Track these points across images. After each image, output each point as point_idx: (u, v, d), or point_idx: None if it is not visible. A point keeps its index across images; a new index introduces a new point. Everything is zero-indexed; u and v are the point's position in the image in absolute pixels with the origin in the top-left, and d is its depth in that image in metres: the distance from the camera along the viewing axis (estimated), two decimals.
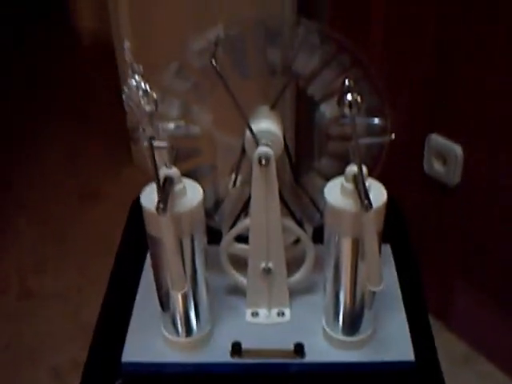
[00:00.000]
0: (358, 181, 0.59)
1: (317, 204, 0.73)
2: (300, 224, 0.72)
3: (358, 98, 0.53)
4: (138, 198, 0.98)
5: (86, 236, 1.80)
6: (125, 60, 1.52)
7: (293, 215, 0.72)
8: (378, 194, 0.62)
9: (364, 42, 0.99)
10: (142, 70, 0.50)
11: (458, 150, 1.24)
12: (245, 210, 0.72)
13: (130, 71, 0.50)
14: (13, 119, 2.30)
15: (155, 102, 0.51)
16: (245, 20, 0.63)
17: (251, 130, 0.64)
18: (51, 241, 1.80)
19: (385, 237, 0.65)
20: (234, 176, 0.73)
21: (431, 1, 1.14)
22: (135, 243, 0.88)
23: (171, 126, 0.68)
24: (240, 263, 0.75)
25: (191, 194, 0.64)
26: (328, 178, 0.72)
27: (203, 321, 0.71)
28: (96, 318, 0.78)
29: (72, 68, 2.59)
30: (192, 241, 0.65)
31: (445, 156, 1.26)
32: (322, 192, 0.73)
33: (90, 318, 0.79)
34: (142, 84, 0.50)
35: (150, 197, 0.63)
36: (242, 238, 0.73)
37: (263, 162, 0.64)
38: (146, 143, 0.66)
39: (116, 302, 0.80)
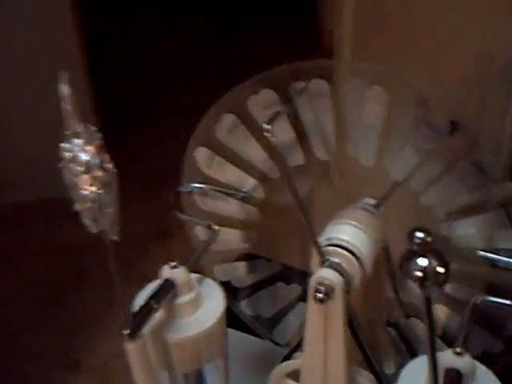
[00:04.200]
0: None
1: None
2: (380, 381, 0.47)
3: (439, 269, 0.27)
4: None
5: None
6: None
7: (372, 368, 0.47)
8: None
9: None
10: (86, 130, 0.30)
11: None
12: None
13: (66, 130, 0.30)
14: None
15: (104, 185, 0.31)
16: None
17: (314, 237, 0.41)
18: None
19: None
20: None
21: None
22: None
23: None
24: None
25: (206, 307, 0.42)
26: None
27: None
28: None
29: None
30: (199, 374, 0.44)
31: None
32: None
33: None
34: (84, 156, 0.30)
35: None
36: None
37: (318, 295, 0.40)
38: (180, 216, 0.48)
39: None
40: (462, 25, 0.99)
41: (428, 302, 0.28)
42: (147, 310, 0.39)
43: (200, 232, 0.50)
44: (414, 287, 0.29)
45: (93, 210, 0.32)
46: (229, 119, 0.44)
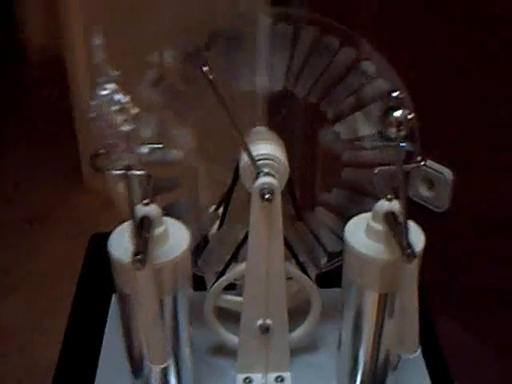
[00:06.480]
0: (396, 222, 0.46)
1: (324, 245, 0.60)
2: (303, 268, 0.59)
3: (409, 115, 0.40)
4: (102, 234, 0.84)
5: (34, 266, 1.62)
6: (79, 76, 1.32)
7: (296, 258, 0.58)
8: (414, 235, 0.49)
9: None
10: (117, 74, 0.36)
11: (447, 173, 1.12)
12: (237, 254, 0.58)
13: (100, 78, 0.36)
14: None
15: (135, 120, 0.37)
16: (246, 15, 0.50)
17: (251, 156, 0.51)
18: None
19: None
20: (221, 212, 0.60)
21: None
22: (96, 288, 0.74)
23: (145, 149, 0.54)
24: (228, 316, 0.61)
25: (175, 238, 0.50)
26: (338, 213, 0.59)
27: None
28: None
29: (18, 85, 2.40)
30: (175, 299, 0.51)
31: (432, 180, 1.14)
32: (330, 230, 0.60)
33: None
34: (118, 96, 0.36)
35: (120, 243, 0.49)
36: (230, 288, 0.60)
37: (267, 196, 0.50)
38: (116, 172, 0.52)
39: (75, 361, 0.65)
40: None
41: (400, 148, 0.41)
42: (144, 240, 0.45)
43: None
44: None
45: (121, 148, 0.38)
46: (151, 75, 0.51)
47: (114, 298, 0.71)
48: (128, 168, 0.40)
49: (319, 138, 0.56)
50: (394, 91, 0.40)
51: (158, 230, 0.48)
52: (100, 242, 0.83)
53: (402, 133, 0.40)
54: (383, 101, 0.51)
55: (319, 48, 0.51)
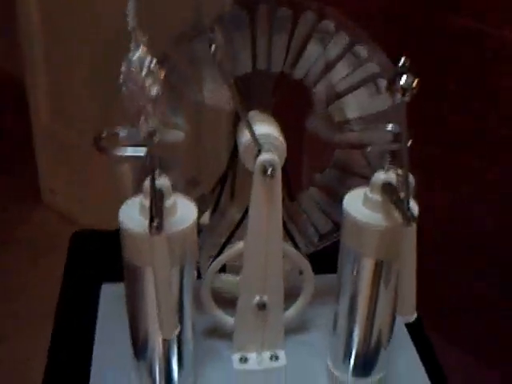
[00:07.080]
0: (393, 192, 0.49)
1: (315, 225, 0.63)
2: (297, 247, 0.62)
3: (415, 82, 0.43)
4: (80, 232, 0.85)
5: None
6: (35, 97, 1.34)
7: (291, 237, 0.61)
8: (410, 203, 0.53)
9: None
10: (146, 40, 0.38)
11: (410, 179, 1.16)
12: (233, 235, 0.60)
13: (132, 41, 0.38)
14: None
15: (161, 85, 0.40)
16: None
17: (253, 133, 0.53)
18: None
19: None
20: (216, 195, 0.62)
21: None
22: (81, 286, 0.74)
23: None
24: (222, 301, 0.63)
25: (183, 210, 0.52)
26: (330, 194, 0.63)
27: (186, 371, 0.58)
28: None
29: None
30: (181, 272, 0.53)
31: None
32: (322, 210, 0.63)
33: None
34: (147, 60, 0.39)
35: (131, 216, 0.50)
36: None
37: (269, 171, 0.53)
38: (120, 153, 0.55)
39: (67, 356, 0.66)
40: None
41: (405, 108, 0.44)
42: (159, 208, 0.47)
43: (126, 169, 0.58)
44: None
45: (147, 112, 0.40)
46: None
47: (102, 288, 0.72)
48: (151, 134, 0.42)
49: (312, 120, 0.59)
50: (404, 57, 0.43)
51: (168, 202, 0.50)
52: (81, 239, 0.85)
53: (407, 98, 0.44)
54: (373, 83, 0.55)
55: (316, 32, 0.54)
